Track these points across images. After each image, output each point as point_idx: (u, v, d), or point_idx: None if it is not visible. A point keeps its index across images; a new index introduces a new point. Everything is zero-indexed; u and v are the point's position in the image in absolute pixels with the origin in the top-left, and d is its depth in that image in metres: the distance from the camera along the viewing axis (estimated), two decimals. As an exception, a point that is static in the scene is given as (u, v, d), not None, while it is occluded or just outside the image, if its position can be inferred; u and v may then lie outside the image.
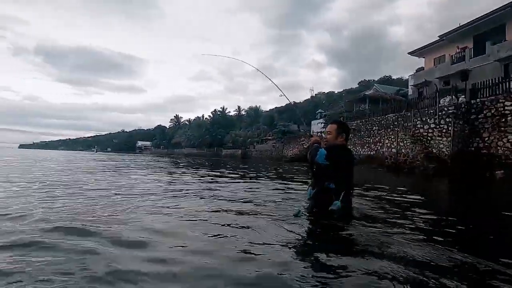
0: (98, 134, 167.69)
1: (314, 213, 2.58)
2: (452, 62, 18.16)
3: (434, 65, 20.74)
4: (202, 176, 7.39)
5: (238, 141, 48.66)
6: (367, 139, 18.64)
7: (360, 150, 19.09)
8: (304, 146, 4.46)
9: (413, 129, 15.05)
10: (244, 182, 6.16)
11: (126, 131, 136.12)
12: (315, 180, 2.69)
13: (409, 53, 22.89)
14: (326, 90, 68.39)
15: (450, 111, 13.12)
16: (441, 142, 13.44)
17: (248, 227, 2.24)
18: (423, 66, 22.69)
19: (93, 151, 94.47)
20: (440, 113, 13.56)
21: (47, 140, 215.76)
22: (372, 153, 17.94)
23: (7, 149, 76.11)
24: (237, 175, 8.30)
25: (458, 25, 18.45)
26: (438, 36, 19.68)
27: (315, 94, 62.76)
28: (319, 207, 2.55)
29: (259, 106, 64.58)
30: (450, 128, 13.01)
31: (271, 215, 2.68)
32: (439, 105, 13.76)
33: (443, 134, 13.39)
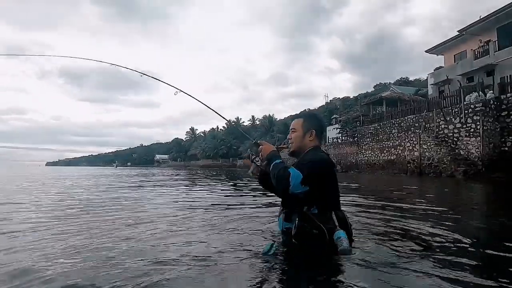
0: (118, 150, 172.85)
1: (294, 245, 1.67)
2: (475, 57, 16.96)
3: (454, 61, 19.53)
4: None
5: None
6: (386, 143, 17.61)
7: (380, 155, 18.04)
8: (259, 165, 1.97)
9: (437, 130, 13.98)
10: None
11: (145, 145, 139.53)
12: (288, 207, 1.78)
13: (426, 51, 21.77)
14: (341, 95, 66.94)
15: (478, 109, 12.04)
16: (469, 142, 12.33)
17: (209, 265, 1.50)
18: (442, 64, 21.49)
19: (114, 166, 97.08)
20: (466, 111, 12.49)
21: (71, 157, 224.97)
22: (392, 157, 16.86)
23: (37, 166, 79.26)
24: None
25: (479, 18, 17.33)
26: (458, 31, 18.55)
27: (330, 100, 61.69)
28: (302, 240, 1.64)
29: (273, 114, 64.23)
30: (478, 127, 11.91)
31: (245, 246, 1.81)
32: (465, 102, 12.70)
33: (471, 134, 12.29)
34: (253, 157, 1.93)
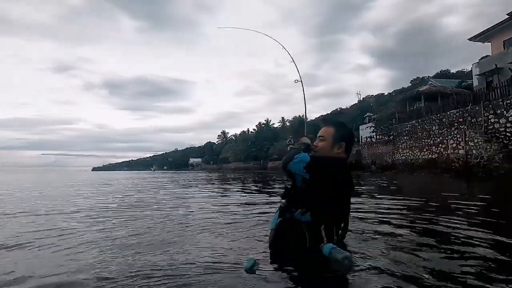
0: (155, 154, 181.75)
1: (276, 261, 1.53)
2: (530, 42, 15.12)
3: (504, 48, 17.56)
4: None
5: (284, 152, 47.73)
6: (426, 140, 16.31)
7: (419, 154, 16.76)
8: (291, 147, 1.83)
9: (485, 125, 12.61)
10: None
11: (180, 150, 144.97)
12: (287, 200, 1.68)
13: (469, 39, 19.84)
14: (375, 92, 63.90)
15: (535, 99, 10.63)
16: (525, 138, 10.92)
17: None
18: (489, 52, 19.46)
19: (151, 170, 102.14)
20: (520, 103, 11.09)
21: (114, 162, 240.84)
22: (433, 156, 15.55)
23: (84, 172, 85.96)
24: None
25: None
26: (507, 14, 16.66)
27: (363, 98, 59.04)
28: (278, 250, 1.59)
29: (303, 115, 63.11)
30: (537, 120, 10.50)
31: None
32: (518, 93, 11.29)
33: (527, 128, 10.88)
34: (290, 143, 2.44)
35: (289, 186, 1.71)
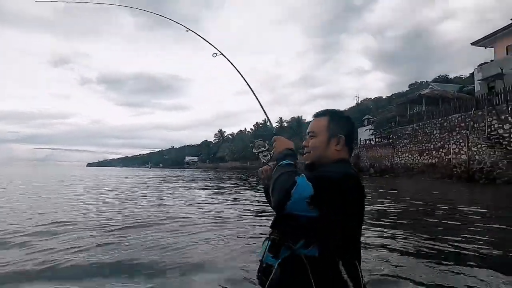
0: (151, 152, 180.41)
1: None
2: (534, 48, 14.94)
3: (507, 53, 17.40)
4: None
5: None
6: (426, 144, 16.06)
7: (419, 158, 16.51)
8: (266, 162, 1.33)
9: (488, 130, 12.37)
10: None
11: (176, 147, 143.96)
12: (279, 232, 1.15)
13: (472, 43, 19.69)
14: (373, 96, 63.88)
15: (542, 105, 10.39)
16: (530, 144, 10.68)
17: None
18: (490, 58, 19.30)
19: (147, 167, 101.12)
20: (526, 109, 10.86)
21: (109, 158, 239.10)
22: (434, 160, 15.30)
23: (78, 167, 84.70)
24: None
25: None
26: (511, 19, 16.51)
27: (361, 101, 59.03)
28: None
29: (302, 116, 62.68)
30: (543, 126, 10.27)
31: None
32: (524, 98, 11.05)
33: (532, 134, 10.64)
34: (260, 150, 1.35)
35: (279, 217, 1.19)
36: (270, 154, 1.31)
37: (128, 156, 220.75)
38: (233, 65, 1.75)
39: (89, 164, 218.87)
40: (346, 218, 1.06)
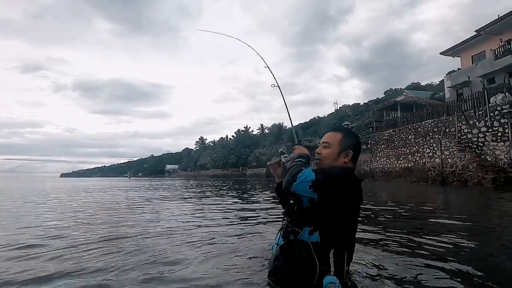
0: (130, 160, 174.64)
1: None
2: (496, 57, 16.02)
3: (472, 62, 18.57)
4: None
5: (262, 160, 47.59)
6: (402, 149, 16.65)
7: (396, 162, 17.07)
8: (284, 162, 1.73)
9: (459, 134, 13.04)
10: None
11: (156, 156, 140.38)
12: (289, 217, 1.47)
13: (441, 53, 20.87)
14: (351, 102, 65.97)
15: (506, 111, 11.11)
16: (497, 147, 11.35)
17: None
18: (457, 67, 20.60)
19: (126, 176, 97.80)
20: (491, 114, 11.56)
21: (84, 168, 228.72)
22: (410, 164, 15.88)
23: (52, 178, 79.78)
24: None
25: (498, 17, 16.45)
26: (476, 31, 17.65)
27: (340, 108, 60.72)
28: (282, 281, 1.34)
29: (283, 122, 63.28)
30: (507, 131, 10.96)
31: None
32: (490, 104, 11.76)
33: (498, 138, 11.33)
34: (282, 153, 1.79)
35: (292, 202, 1.49)
36: (290, 157, 1.65)
37: (106, 165, 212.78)
38: (283, 98, 2.39)
39: (63, 175, 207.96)
40: (342, 209, 1.33)
